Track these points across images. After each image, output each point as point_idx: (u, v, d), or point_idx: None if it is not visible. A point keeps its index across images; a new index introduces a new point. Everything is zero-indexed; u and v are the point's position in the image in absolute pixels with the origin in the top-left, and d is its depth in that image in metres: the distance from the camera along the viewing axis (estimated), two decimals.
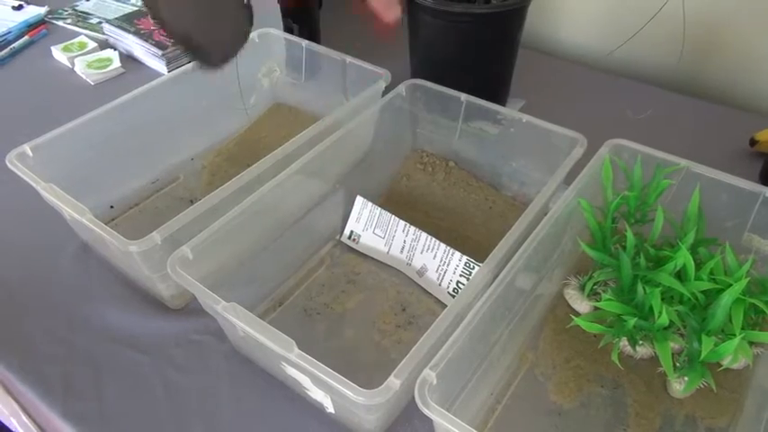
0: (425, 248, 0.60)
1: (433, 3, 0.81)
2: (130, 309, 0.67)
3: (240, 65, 0.81)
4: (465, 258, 0.57)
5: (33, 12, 1.21)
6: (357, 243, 0.62)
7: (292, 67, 0.91)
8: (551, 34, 1.13)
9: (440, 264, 0.58)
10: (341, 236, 0.62)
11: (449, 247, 0.58)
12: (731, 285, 0.53)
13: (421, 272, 0.60)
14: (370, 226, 0.61)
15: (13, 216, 0.79)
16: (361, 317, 0.66)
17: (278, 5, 0.99)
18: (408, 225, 0.60)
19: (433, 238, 0.59)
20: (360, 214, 0.61)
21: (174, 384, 0.60)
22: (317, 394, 0.54)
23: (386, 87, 0.78)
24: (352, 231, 0.62)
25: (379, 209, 0.60)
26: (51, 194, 0.63)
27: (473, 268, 0.57)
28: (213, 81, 0.72)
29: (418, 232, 0.60)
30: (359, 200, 0.60)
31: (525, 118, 0.72)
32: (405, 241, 0.60)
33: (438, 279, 0.59)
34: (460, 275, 0.57)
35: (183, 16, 0.51)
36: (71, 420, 0.58)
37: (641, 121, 0.93)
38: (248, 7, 0.51)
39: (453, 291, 0.58)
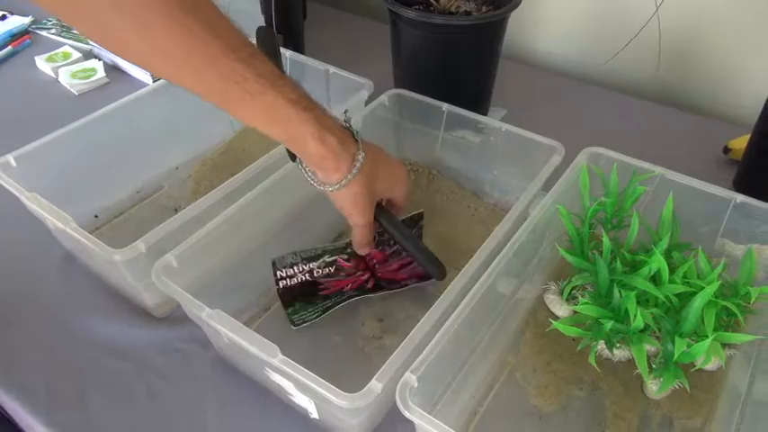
0: None
1: (416, 14, 0.82)
2: (114, 317, 0.68)
3: None
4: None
5: (17, 22, 1.20)
6: None
7: None
8: (531, 45, 1.15)
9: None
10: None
11: None
12: (704, 288, 0.55)
13: None
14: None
15: None
16: (346, 323, 0.67)
17: (262, 15, 1.00)
18: None
19: None
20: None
21: (159, 392, 0.61)
22: (301, 400, 0.54)
23: (369, 97, 0.79)
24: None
25: None
26: (35, 204, 0.63)
27: None
28: None
29: None
30: None
31: (505, 127, 0.74)
32: None
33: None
34: None
35: None
36: (55, 429, 0.58)
37: (618, 129, 0.95)
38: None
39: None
